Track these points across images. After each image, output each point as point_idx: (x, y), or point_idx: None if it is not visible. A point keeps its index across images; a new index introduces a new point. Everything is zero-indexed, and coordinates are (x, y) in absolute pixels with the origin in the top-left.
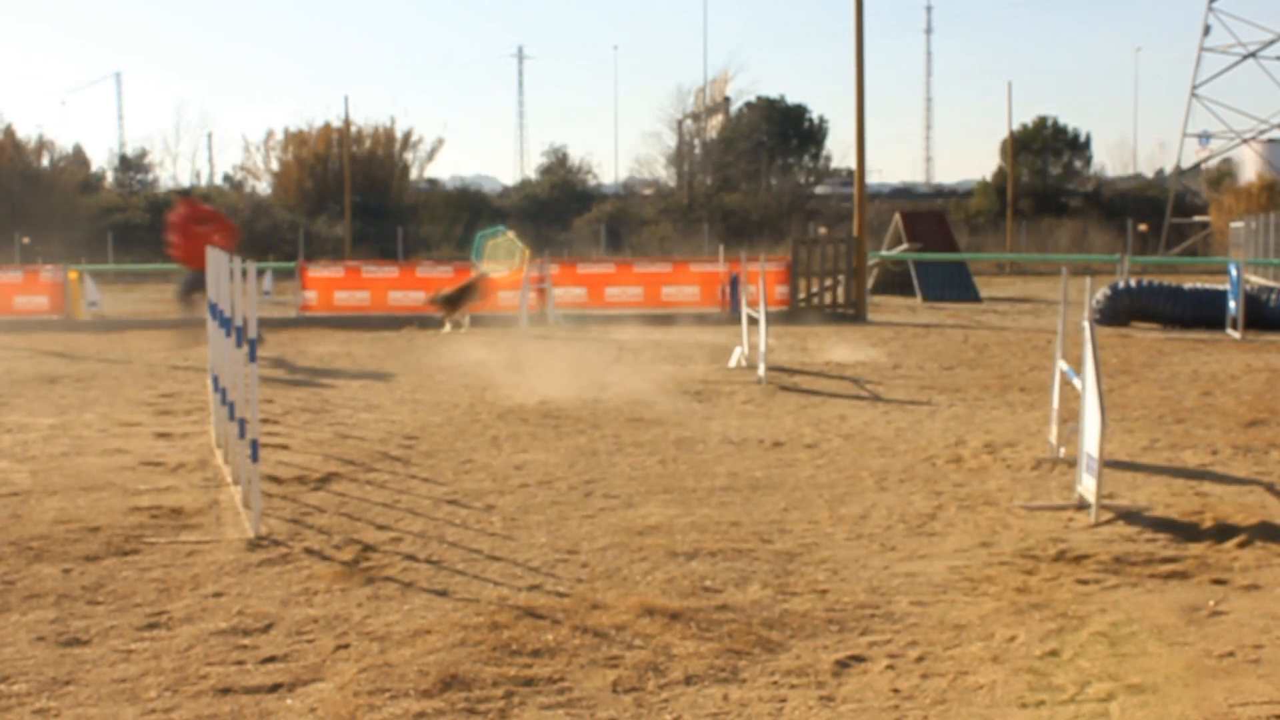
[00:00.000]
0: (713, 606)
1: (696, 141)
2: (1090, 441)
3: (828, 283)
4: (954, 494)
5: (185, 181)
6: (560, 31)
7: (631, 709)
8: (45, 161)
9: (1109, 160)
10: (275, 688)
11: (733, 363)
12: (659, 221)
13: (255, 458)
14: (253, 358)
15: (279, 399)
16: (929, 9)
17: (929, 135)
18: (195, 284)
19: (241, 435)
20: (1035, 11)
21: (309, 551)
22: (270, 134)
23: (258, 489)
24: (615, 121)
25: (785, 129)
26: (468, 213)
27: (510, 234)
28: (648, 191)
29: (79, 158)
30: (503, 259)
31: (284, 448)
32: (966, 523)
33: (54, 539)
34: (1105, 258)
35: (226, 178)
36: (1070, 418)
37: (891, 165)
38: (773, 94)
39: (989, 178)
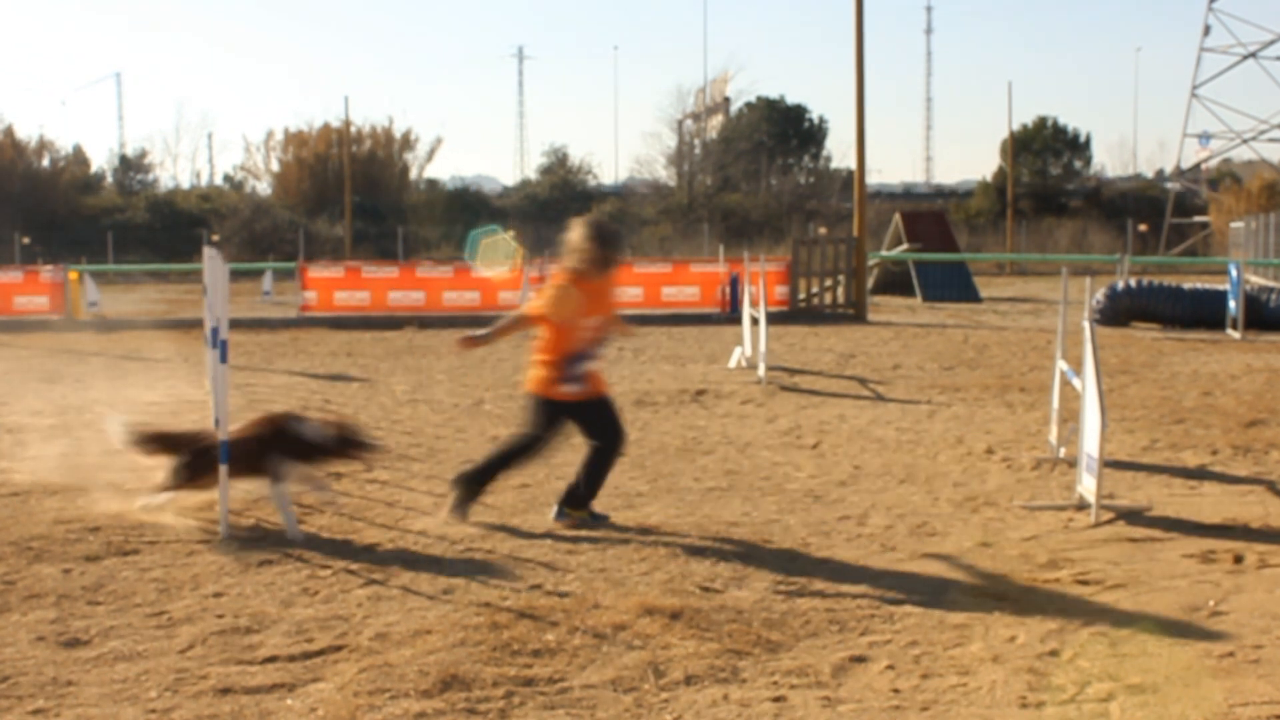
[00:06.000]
0: (713, 606)
1: (696, 141)
2: (1090, 441)
3: (828, 283)
4: (954, 494)
5: (185, 182)
6: (560, 31)
7: (631, 709)
8: (45, 162)
9: (1109, 160)
10: (275, 688)
11: (733, 363)
12: (659, 221)
13: (225, 459)
14: (223, 358)
15: (280, 400)
16: (929, 9)
17: (929, 135)
18: None
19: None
20: (1035, 11)
21: (309, 551)
22: (270, 134)
23: (225, 490)
24: (615, 121)
25: (785, 129)
26: (468, 213)
27: (508, 234)
28: (648, 191)
29: (79, 158)
30: (499, 259)
31: None
32: (967, 523)
33: (54, 539)
34: (1105, 258)
35: (226, 178)
36: (1070, 418)
37: (891, 165)
38: (773, 94)
39: (989, 178)
